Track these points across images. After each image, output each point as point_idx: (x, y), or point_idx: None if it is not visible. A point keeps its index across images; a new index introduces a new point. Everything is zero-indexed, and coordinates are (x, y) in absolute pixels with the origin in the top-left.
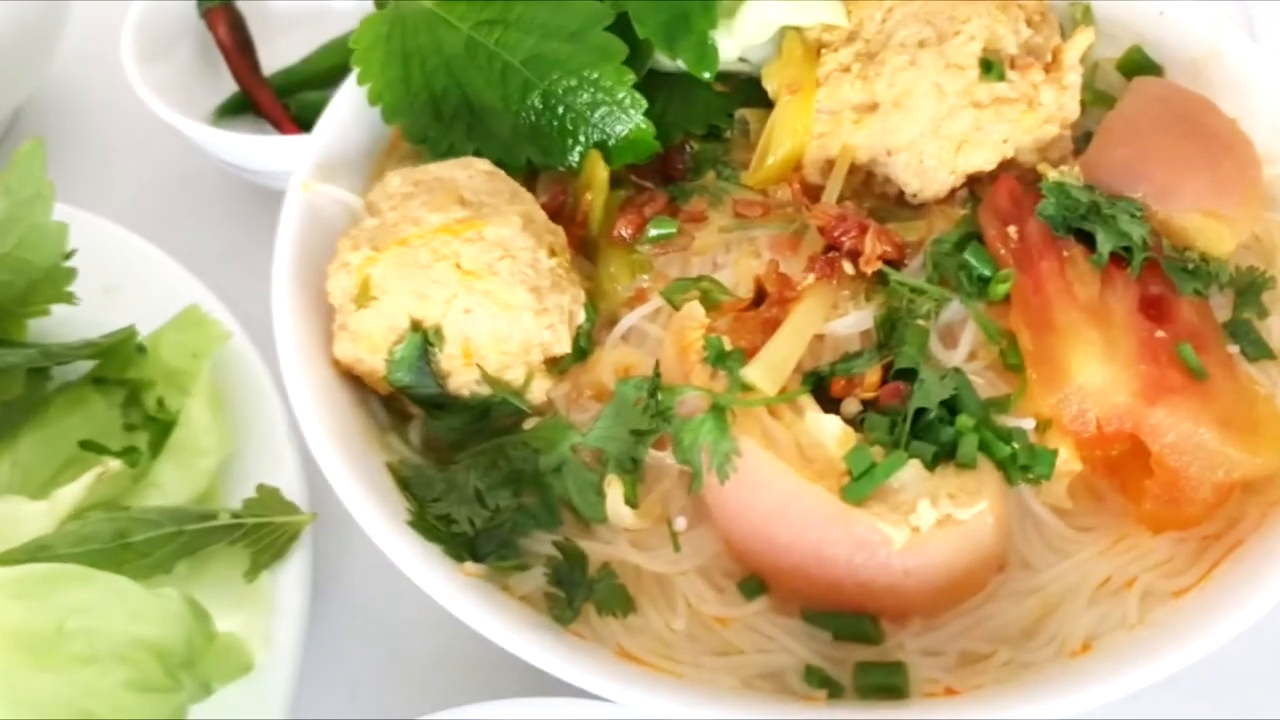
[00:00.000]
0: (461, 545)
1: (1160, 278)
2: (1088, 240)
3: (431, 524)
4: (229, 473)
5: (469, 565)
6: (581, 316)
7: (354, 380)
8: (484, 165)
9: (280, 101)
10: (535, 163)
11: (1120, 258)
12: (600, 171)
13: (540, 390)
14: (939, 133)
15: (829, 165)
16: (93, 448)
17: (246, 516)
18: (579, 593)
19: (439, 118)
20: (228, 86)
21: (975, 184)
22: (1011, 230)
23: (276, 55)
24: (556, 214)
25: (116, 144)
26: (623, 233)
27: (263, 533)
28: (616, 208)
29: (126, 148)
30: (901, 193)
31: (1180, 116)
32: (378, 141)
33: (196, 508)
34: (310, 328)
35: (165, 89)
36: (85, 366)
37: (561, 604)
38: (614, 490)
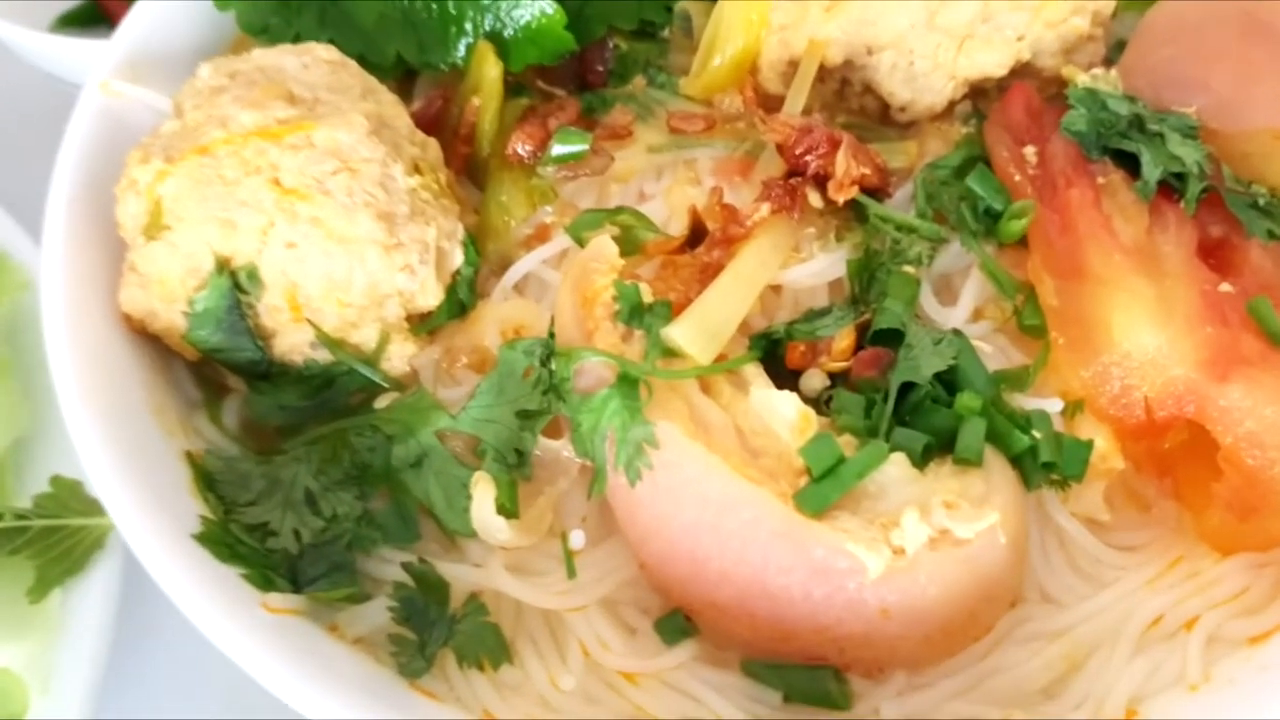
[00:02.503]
0: (276, 567)
1: (1223, 215)
2: (1129, 164)
3: (234, 537)
4: (22, 460)
5: (274, 597)
6: (458, 258)
7: (154, 341)
8: (328, 53)
9: None
10: (409, 60)
11: (1170, 188)
12: (490, 69)
13: (400, 357)
14: (935, 24)
15: (792, 68)
16: None
17: (35, 517)
18: (435, 635)
19: (284, 1)
20: None
21: (980, 96)
22: (1029, 151)
23: None
24: (433, 124)
25: None
26: (519, 150)
27: (54, 539)
28: (515, 119)
29: None
30: (886, 106)
31: (1242, 10)
32: (214, 36)
33: None
34: (93, 270)
35: None
36: None
37: (410, 650)
38: (482, 492)
